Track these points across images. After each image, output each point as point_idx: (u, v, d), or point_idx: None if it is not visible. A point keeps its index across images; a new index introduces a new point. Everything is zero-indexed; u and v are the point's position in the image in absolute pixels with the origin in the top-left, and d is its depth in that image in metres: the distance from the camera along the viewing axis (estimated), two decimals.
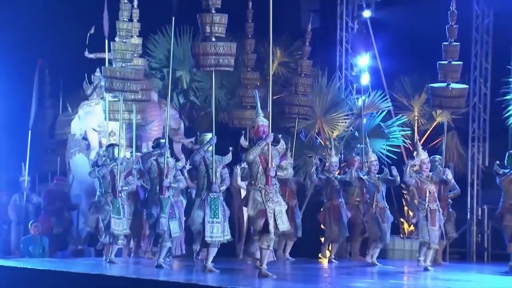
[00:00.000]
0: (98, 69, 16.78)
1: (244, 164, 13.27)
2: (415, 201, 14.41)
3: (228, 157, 12.20)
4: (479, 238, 16.30)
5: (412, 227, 16.28)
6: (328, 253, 14.45)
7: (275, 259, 13.17)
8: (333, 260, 14.35)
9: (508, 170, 13.18)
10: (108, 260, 13.51)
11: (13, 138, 17.27)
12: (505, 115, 16.23)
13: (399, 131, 16.45)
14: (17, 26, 17.03)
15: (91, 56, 16.68)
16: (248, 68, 16.21)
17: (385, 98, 16.52)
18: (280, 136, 11.96)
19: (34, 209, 16.24)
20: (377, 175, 14.11)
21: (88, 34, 15.72)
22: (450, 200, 13.99)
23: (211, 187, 11.74)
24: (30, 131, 16.46)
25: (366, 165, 14.18)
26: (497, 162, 13.61)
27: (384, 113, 16.81)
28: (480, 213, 16.39)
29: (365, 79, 16.94)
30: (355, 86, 17.08)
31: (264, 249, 10.66)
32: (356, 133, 16.53)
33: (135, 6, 14.70)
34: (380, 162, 14.57)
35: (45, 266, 13.27)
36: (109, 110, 15.46)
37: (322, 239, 15.26)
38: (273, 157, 10.66)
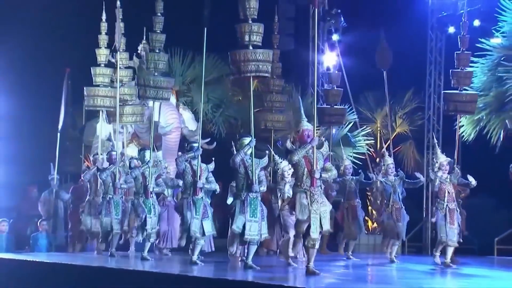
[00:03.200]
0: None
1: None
2: (378, 202, 15.01)
3: (265, 160, 12.25)
4: (433, 233, 16.19)
5: (375, 224, 17.13)
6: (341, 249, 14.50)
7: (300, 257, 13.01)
8: (351, 257, 14.26)
9: None
10: (141, 257, 13.45)
11: (42, 140, 17.55)
12: (456, 127, 16.58)
13: (364, 140, 17.38)
14: (47, 37, 17.63)
15: (113, 60, 16.60)
16: (274, 76, 16.52)
17: (352, 111, 17.49)
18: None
19: (63, 205, 16.25)
20: (394, 177, 13.94)
21: (113, 46, 15.57)
22: (460, 200, 13.79)
23: (251, 187, 11.62)
24: (59, 134, 16.60)
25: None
26: None
27: (351, 124, 17.61)
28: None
29: None
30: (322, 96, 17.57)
31: (311, 248, 10.50)
32: (326, 142, 17.45)
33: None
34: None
35: (52, 260, 13.90)
36: (126, 113, 15.66)
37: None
38: (317, 160, 10.53)
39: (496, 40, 16.59)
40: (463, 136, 16.53)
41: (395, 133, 18.31)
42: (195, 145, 12.69)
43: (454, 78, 14.54)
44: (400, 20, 17.46)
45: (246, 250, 12.00)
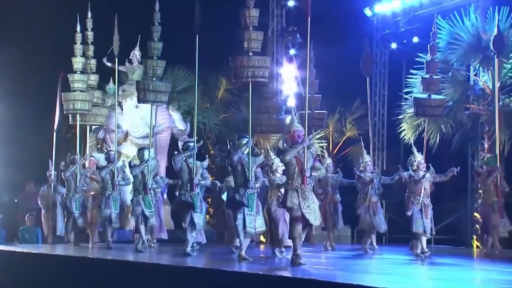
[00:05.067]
0: (111, 81, 17.60)
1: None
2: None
3: (261, 158, 12.38)
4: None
5: None
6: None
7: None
8: (333, 247, 14.61)
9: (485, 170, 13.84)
10: (136, 248, 13.59)
11: (39, 140, 18.03)
12: (398, 131, 17.85)
13: (318, 143, 17.75)
14: (41, 43, 18.04)
15: (108, 64, 17.13)
16: (269, 85, 17.03)
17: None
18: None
19: (61, 198, 16.13)
20: (371, 174, 14.05)
21: (110, 50, 15.62)
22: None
23: (248, 183, 11.68)
24: (55, 133, 16.73)
25: (361, 165, 14.07)
26: (476, 163, 14.42)
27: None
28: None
29: (292, 102, 18.60)
30: (283, 107, 18.16)
31: (297, 239, 10.52)
32: (285, 145, 16.95)
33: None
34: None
35: (40, 251, 14.49)
36: (94, 114, 16.14)
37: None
38: (307, 159, 10.54)
39: None
40: (405, 138, 17.32)
41: (345, 136, 19.28)
42: (191, 144, 12.82)
43: (423, 84, 14.79)
44: (350, 37, 18.10)
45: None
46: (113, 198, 14.71)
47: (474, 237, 16.86)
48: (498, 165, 13.92)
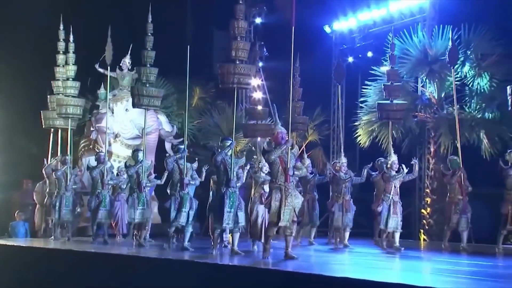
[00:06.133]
0: (102, 86, 18.12)
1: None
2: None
3: (242, 160, 12.56)
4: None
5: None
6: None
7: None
8: (339, 245, 14.38)
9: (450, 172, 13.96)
10: (137, 243, 13.87)
11: (33, 138, 18.49)
12: (355, 136, 18.44)
13: None
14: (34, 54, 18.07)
15: (100, 70, 17.48)
16: (257, 91, 17.34)
17: (273, 122, 16.98)
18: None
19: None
20: (344, 174, 14.23)
21: (102, 57, 15.92)
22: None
23: (230, 183, 11.77)
24: (52, 132, 17.14)
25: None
26: (442, 165, 14.48)
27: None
28: None
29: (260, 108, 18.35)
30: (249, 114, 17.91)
31: (288, 236, 10.67)
32: (253, 148, 18.19)
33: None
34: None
35: (27, 244, 14.94)
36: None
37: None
38: (290, 159, 10.65)
39: (385, 68, 17.21)
40: (360, 142, 18.05)
41: (307, 140, 19.40)
42: (181, 147, 13.12)
43: (385, 91, 14.93)
44: (311, 51, 18.43)
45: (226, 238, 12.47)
46: (102, 197, 14.88)
47: (421, 231, 17.65)
48: (461, 166, 13.99)
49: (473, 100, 17.34)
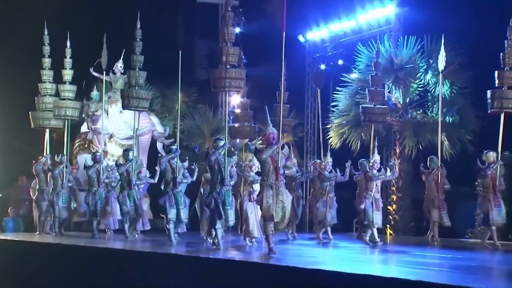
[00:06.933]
0: (95, 88, 18.58)
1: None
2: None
3: (235, 159, 12.63)
4: (310, 216, 17.26)
5: None
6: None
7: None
8: (295, 236, 14.95)
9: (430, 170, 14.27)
10: (126, 237, 14.02)
11: (28, 138, 18.73)
12: (327, 138, 18.76)
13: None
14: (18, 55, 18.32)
15: (95, 74, 17.81)
16: (245, 97, 17.58)
17: (251, 125, 18.14)
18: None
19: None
20: (329, 173, 14.45)
21: (97, 62, 16.29)
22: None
23: (224, 181, 11.89)
24: (48, 130, 17.31)
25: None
26: (422, 164, 14.52)
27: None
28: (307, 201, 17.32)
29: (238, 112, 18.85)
30: (231, 117, 18.55)
31: (270, 235, 10.81)
32: (232, 149, 15.89)
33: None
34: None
35: (19, 238, 15.20)
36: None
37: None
38: (280, 159, 10.75)
39: (354, 75, 18.59)
40: (331, 144, 18.24)
41: (283, 142, 17.68)
42: (174, 147, 13.19)
43: (369, 95, 15.50)
44: (286, 59, 15.56)
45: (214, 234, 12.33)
46: (98, 195, 15.15)
47: (388, 226, 18.23)
48: (439, 165, 14.28)
49: (435, 106, 17.64)
